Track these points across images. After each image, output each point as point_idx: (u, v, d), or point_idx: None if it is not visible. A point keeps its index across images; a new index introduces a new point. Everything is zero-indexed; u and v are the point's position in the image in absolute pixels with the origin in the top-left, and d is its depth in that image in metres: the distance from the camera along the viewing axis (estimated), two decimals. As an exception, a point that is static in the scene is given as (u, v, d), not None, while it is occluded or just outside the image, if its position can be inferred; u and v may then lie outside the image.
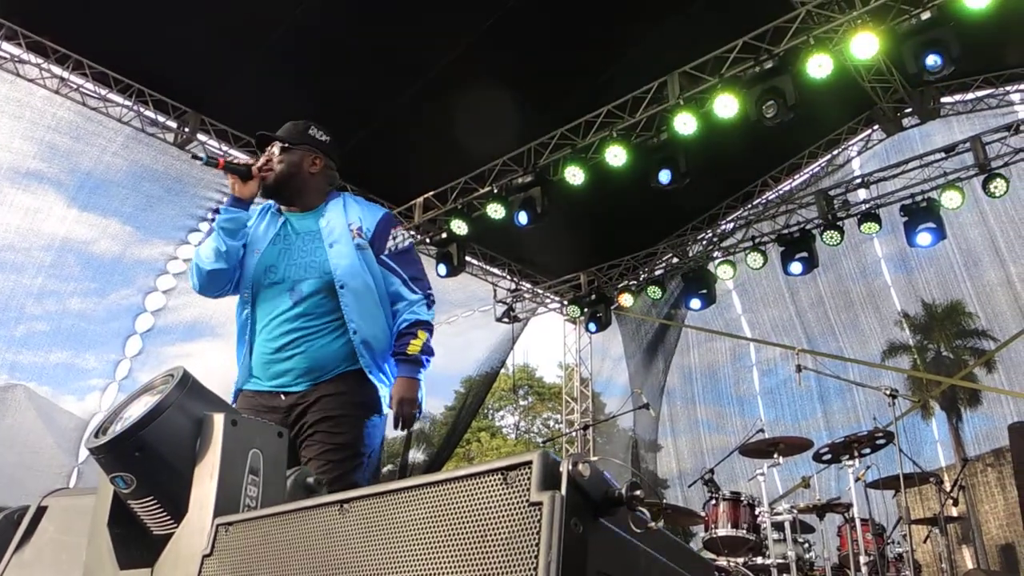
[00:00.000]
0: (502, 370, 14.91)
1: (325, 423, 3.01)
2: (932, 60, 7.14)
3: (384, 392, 3.15)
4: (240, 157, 3.38)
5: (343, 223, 3.23)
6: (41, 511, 2.82)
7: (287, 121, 3.44)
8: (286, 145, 3.28)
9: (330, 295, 3.12)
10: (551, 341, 17.65)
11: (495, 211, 9.71)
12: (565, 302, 13.36)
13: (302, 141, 3.32)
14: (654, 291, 12.19)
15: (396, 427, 3.08)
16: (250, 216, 3.29)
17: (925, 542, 7.51)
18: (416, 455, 16.98)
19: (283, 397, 3.09)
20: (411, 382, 3.05)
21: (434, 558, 1.44)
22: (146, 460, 2.19)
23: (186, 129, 9.83)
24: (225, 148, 10.24)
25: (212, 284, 3.26)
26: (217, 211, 3.43)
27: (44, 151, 9.45)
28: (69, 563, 2.53)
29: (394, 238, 3.27)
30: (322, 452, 2.97)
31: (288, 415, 3.05)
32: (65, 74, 9.08)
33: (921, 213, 9.82)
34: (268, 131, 3.35)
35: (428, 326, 3.15)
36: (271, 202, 3.38)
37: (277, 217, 3.34)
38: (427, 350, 3.11)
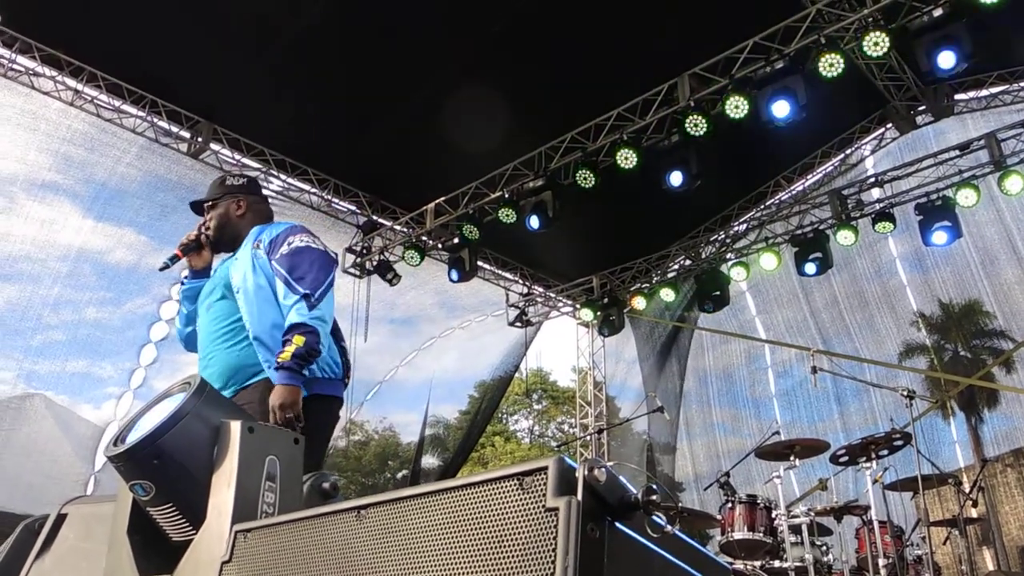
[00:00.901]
0: (516, 374, 14.90)
1: None
2: (945, 57, 7.10)
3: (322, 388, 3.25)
4: (188, 236, 3.58)
5: (251, 241, 3.45)
6: (61, 519, 2.84)
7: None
8: (210, 203, 3.65)
9: (230, 300, 3.36)
10: (564, 345, 17.63)
11: (506, 216, 9.71)
12: (578, 306, 13.35)
13: (222, 193, 3.68)
14: (667, 293, 12.17)
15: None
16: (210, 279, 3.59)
17: (944, 544, 7.45)
18: (430, 460, 16.99)
19: None
20: (283, 389, 3.03)
21: (451, 564, 1.44)
22: (164, 468, 2.21)
23: (199, 139, 9.89)
24: (237, 156, 10.29)
25: (190, 343, 3.69)
26: (182, 283, 3.68)
27: (59, 163, 9.53)
28: (89, 570, 2.54)
29: (289, 243, 3.35)
30: None
31: None
32: (79, 86, 9.16)
33: (936, 212, 9.75)
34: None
35: (303, 327, 3.11)
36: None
37: (220, 262, 3.64)
38: (300, 354, 3.07)
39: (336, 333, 3.47)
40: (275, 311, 3.28)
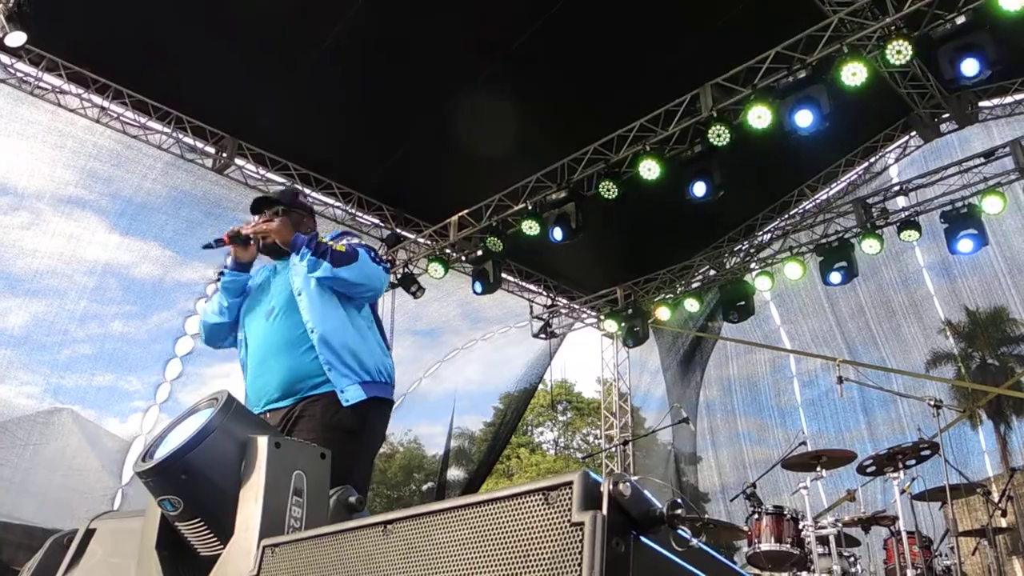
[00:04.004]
0: (540, 385, 14.88)
1: (298, 423, 3.22)
2: (968, 64, 7.05)
3: (349, 387, 3.27)
4: (240, 227, 3.64)
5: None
6: (89, 534, 2.86)
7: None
8: (283, 208, 3.67)
9: (296, 308, 3.40)
10: (589, 356, 17.61)
11: (530, 228, 9.72)
12: (602, 316, 13.33)
13: (297, 205, 3.76)
14: (691, 304, 12.13)
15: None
16: (251, 278, 3.69)
17: (973, 554, 7.35)
18: (456, 472, 16.98)
19: (267, 415, 3.26)
20: (282, 224, 3.48)
21: (477, 578, 1.44)
22: (192, 483, 2.23)
23: (224, 154, 9.98)
24: (262, 171, 10.38)
25: (214, 336, 3.73)
26: (222, 273, 3.70)
27: (85, 179, 9.66)
28: (118, 585, 2.56)
29: (337, 241, 3.51)
30: None
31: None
32: (105, 103, 9.28)
33: (962, 219, 9.68)
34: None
35: (354, 251, 3.39)
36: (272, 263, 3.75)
37: (268, 270, 3.72)
38: (331, 252, 3.34)
39: (385, 342, 3.60)
40: (339, 311, 3.40)
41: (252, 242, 3.62)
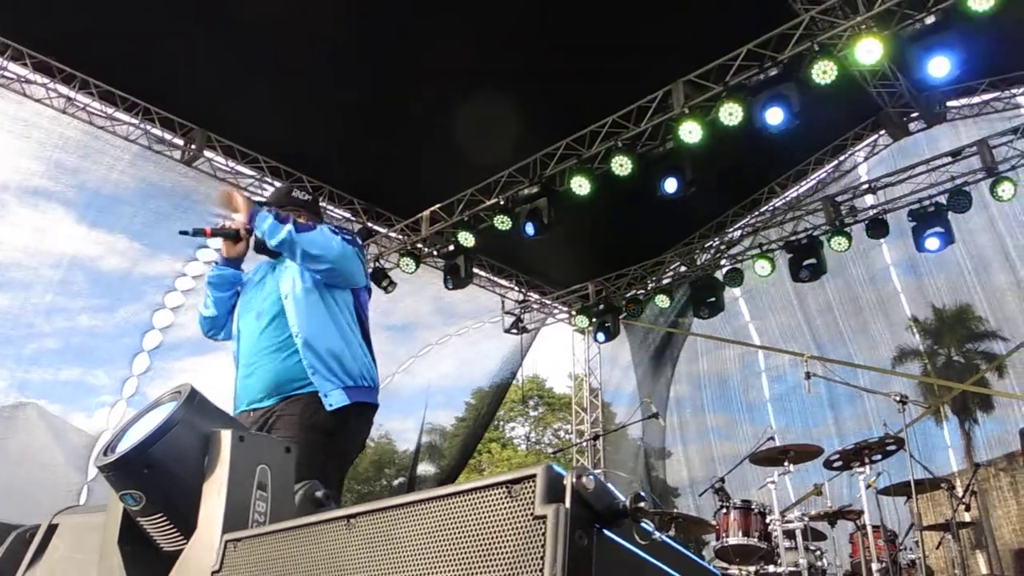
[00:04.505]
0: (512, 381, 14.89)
1: (278, 421, 3.26)
2: (937, 64, 7.13)
3: (333, 391, 3.29)
4: (227, 222, 3.63)
5: None
6: (52, 529, 2.83)
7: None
8: (275, 207, 3.67)
9: (283, 311, 3.46)
10: (560, 351, 17.65)
11: (502, 223, 9.72)
12: (573, 312, 13.36)
13: (288, 203, 3.80)
14: (662, 300, 12.19)
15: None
16: (238, 274, 3.76)
17: (938, 548, 7.46)
18: (427, 468, 16.96)
19: (251, 414, 3.33)
20: (244, 200, 3.51)
21: (439, 571, 1.44)
22: (155, 477, 2.20)
23: (193, 146, 9.87)
24: (232, 164, 10.29)
25: (204, 327, 3.82)
26: (214, 265, 3.80)
27: (52, 170, 9.51)
28: (80, 581, 2.54)
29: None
30: None
31: (257, 428, 3.23)
32: (71, 93, 9.15)
33: (929, 218, 9.80)
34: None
35: (322, 230, 3.47)
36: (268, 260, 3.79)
37: (267, 266, 3.75)
38: (295, 224, 3.41)
39: (369, 344, 3.62)
40: (324, 316, 3.45)
41: (241, 239, 3.67)
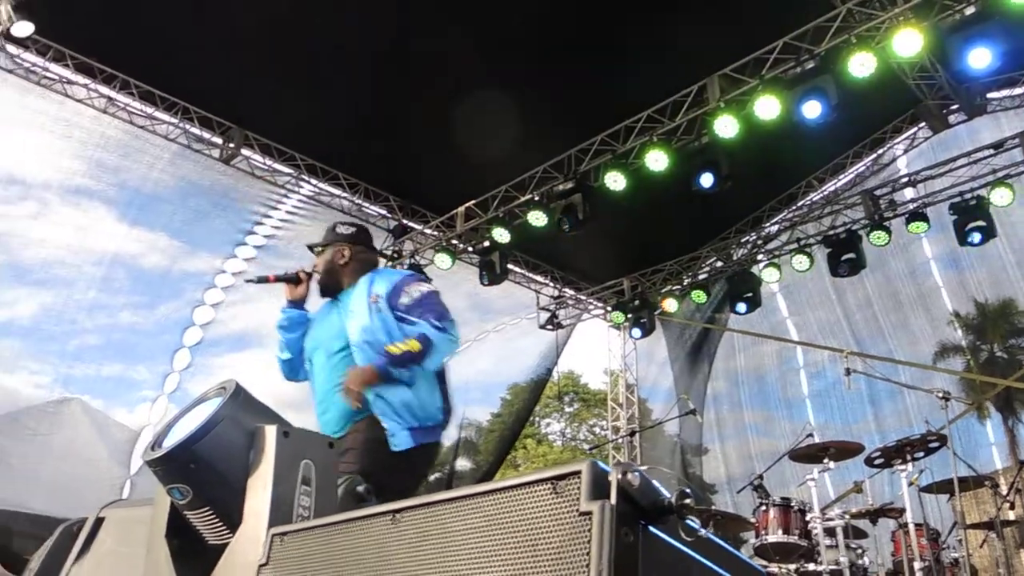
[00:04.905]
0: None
1: (346, 454, 3.35)
2: (978, 55, 7.00)
3: (400, 432, 3.44)
4: (290, 269, 3.96)
5: (365, 293, 3.68)
6: (99, 523, 2.88)
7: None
8: (319, 249, 3.92)
9: (350, 355, 3.58)
10: (596, 347, 17.58)
11: (536, 219, 9.71)
12: (609, 308, 13.32)
13: (330, 240, 3.93)
14: (698, 295, 12.11)
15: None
16: (304, 314, 3.90)
17: (981, 547, 7.35)
18: (463, 463, 17.01)
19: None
20: (368, 369, 3.40)
21: (485, 567, 1.45)
22: (201, 472, 2.23)
23: (231, 144, 9.98)
24: (269, 162, 10.38)
25: (285, 371, 3.98)
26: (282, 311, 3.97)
27: (93, 169, 9.66)
28: (128, 574, 2.58)
29: (408, 294, 3.65)
30: None
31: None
32: (112, 93, 9.29)
33: (970, 211, 9.65)
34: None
35: (424, 339, 3.45)
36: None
37: (330, 304, 3.90)
38: (410, 356, 3.42)
39: (443, 379, 3.77)
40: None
41: (301, 281, 3.86)
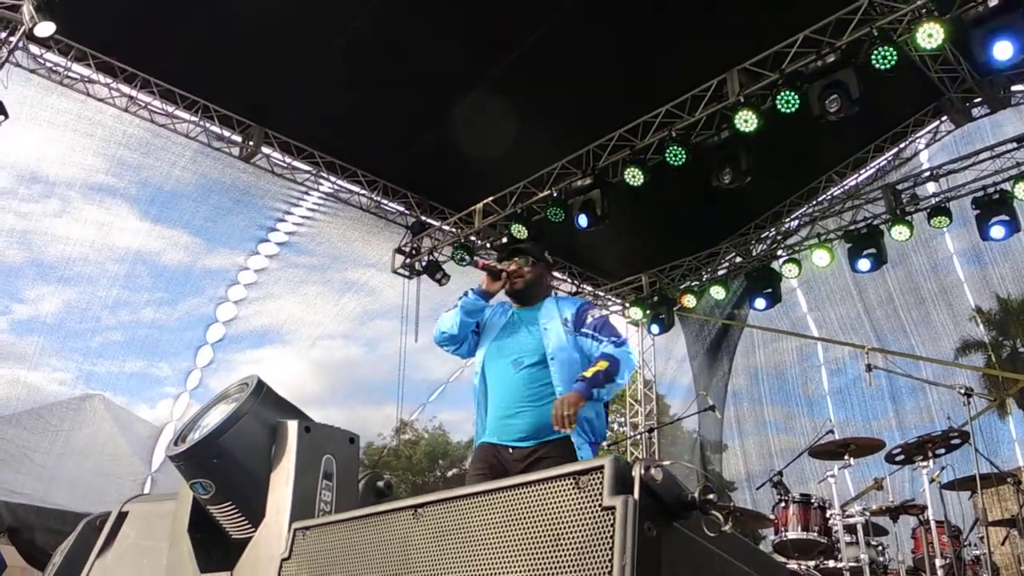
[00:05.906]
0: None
1: (541, 463, 3.58)
2: (1001, 48, 6.93)
3: (584, 446, 3.71)
4: (496, 263, 4.28)
5: (556, 314, 4.00)
6: (122, 517, 2.90)
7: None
8: (532, 259, 4.18)
9: (544, 367, 3.83)
10: (614, 343, 17.52)
11: (555, 215, 9.69)
12: (627, 304, 13.29)
13: (539, 258, 4.24)
14: (717, 291, 12.05)
15: (553, 426, 3.56)
16: (487, 307, 4.14)
17: (1003, 544, 7.28)
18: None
19: (511, 450, 3.74)
20: (574, 394, 3.56)
21: (507, 562, 1.45)
22: (224, 466, 2.25)
23: (251, 142, 10.04)
24: (288, 159, 10.42)
25: (442, 342, 4.16)
26: (466, 294, 4.16)
27: (115, 167, 9.75)
28: (150, 567, 2.60)
29: (593, 316, 3.97)
30: None
31: (516, 466, 3.67)
32: (133, 92, 9.37)
33: (993, 205, 9.55)
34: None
35: (609, 356, 3.68)
36: (507, 301, 4.23)
37: (508, 312, 4.16)
38: (599, 377, 3.60)
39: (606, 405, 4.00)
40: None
41: (500, 279, 4.05)
